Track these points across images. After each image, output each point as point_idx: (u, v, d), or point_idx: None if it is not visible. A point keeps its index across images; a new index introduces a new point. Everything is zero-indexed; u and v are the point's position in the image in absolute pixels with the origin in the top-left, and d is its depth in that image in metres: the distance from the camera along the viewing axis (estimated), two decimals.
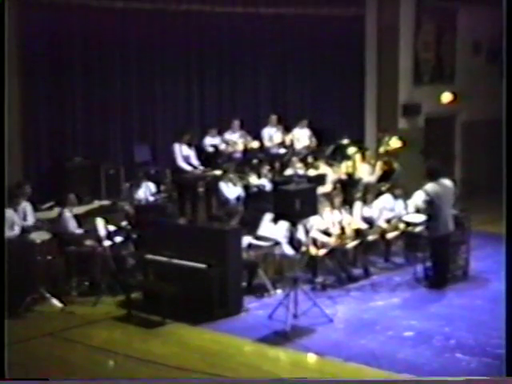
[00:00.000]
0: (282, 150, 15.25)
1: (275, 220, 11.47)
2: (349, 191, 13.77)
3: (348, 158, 14.83)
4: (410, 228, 12.52)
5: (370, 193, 13.53)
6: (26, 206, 11.29)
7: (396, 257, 12.90)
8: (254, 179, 13.77)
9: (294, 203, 9.71)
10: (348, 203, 12.88)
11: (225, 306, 10.24)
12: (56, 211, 11.82)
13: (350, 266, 12.10)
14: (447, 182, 11.65)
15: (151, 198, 12.87)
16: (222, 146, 14.61)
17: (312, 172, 14.24)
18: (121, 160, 13.94)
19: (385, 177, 14.64)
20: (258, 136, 15.18)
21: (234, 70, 15.53)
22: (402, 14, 17.56)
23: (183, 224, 11.95)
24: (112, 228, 11.51)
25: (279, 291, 11.04)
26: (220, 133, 14.77)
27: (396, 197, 13.13)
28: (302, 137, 15.62)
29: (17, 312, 10.06)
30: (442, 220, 11.32)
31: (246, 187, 13.48)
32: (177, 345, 9.40)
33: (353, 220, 12.40)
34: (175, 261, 10.46)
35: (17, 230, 10.97)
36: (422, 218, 11.77)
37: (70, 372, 8.56)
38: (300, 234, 11.53)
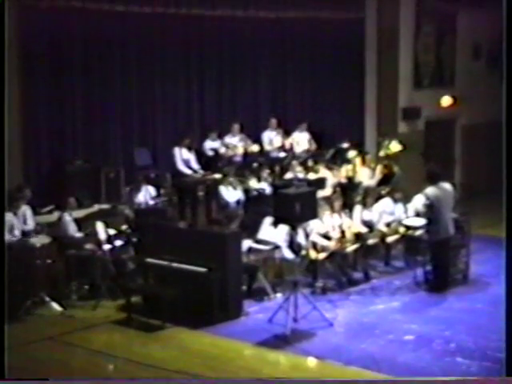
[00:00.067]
0: (282, 154, 15.26)
1: (275, 224, 11.49)
2: (349, 195, 13.76)
3: (348, 161, 14.85)
4: (410, 232, 12.53)
5: (370, 196, 13.52)
6: (26, 209, 11.28)
7: (396, 260, 12.89)
8: (253, 183, 13.77)
9: (294, 207, 9.71)
10: (348, 207, 12.88)
11: (225, 310, 10.24)
12: (56, 215, 11.81)
13: (350, 269, 12.10)
14: (447, 185, 11.65)
15: (151, 202, 12.86)
16: (222, 150, 14.61)
17: (312, 176, 14.25)
18: (121, 163, 13.94)
19: (385, 180, 14.64)
20: (257, 139, 15.19)
21: (234, 73, 15.54)
22: (402, 17, 17.56)
23: (183, 228, 11.94)
24: (112, 232, 11.53)
25: (279, 295, 11.04)
26: (220, 136, 14.76)
27: (396, 200, 13.13)
28: (301, 140, 15.63)
29: (17, 316, 10.05)
30: (442, 224, 11.32)
31: (246, 191, 13.48)
32: (177, 349, 9.40)
33: (353, 224, 12.40)
34: (175, 264, 10.45)
35: (17, 234, 10.97)
36: (421, 221, 11.79)
37: (70, 376, 8.55)
38: (300, 238, 11.53)
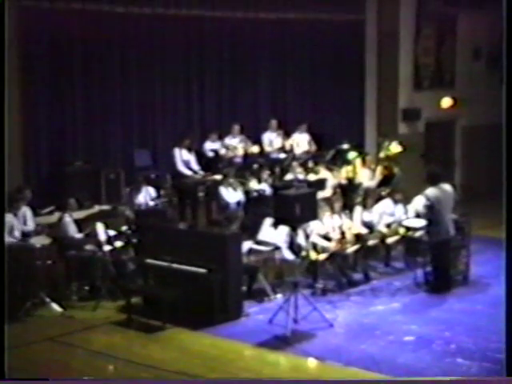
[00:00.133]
0: (282, 155, 15.27)
1: (275, 225, 11.49)
2: (349, 196, 13.76)
3: (348, 162, 14.82)
4: (410, 233, 12.52)
5: (370, 197, 13.52)
6: (26, 210, 11.28)
7: (396, 261, 12.88)
8: (254, 184, 13.77)
9: (294, 208, 9.71)
10: (348, 208, 12.87)
11: (225, 311, 10.23)
12: (56, 216, 11.81)
13: (350, 270, 12.09)
14: (447, 186, 11.65)
15: (151, 203, 12.86)
16: (222, 151, 14.62)
17: (312, 177, 14.24)
18: (121, 165, 13.95)
19: (385, 181, 14.64)
20: (258, 141, 15.21)
21: (234, 74, 15.55)
22: (402, 19, 17.58)
23: (183, 229, 11.94)
24: (112, 233, 11.52)
25: (279, 296, 11.03)
26: (220, 137, 14.78)
27: (396, 201, 13.13)
28: (301, 141, 15.65)
29: (17, 316, 10.05)
30: (442, 225, 11.31)
31: (247, 192, 13.48)
32: (177, 350, 9.39)
33: (353, 225, 12.40)
34: (175, 265, 10.45)
35: (17, 235, 10.97)
36: (422, 222, 11.79)
37: (70, 376, 8.55)
38: (300, 239, 11.52)
